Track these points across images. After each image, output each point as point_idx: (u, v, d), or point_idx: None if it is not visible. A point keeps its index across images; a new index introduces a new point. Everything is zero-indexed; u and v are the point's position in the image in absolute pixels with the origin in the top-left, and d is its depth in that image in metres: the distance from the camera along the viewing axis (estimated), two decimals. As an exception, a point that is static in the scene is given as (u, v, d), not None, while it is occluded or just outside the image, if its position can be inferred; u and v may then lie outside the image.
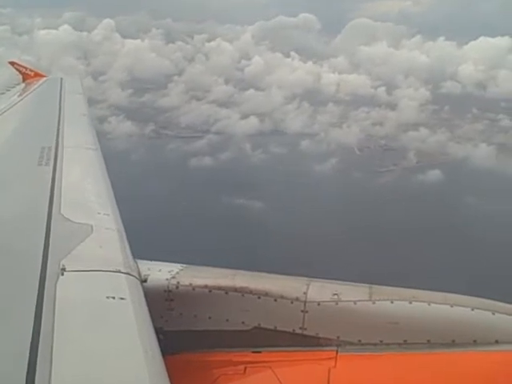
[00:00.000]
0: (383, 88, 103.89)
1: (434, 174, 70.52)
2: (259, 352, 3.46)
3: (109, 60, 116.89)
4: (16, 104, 10.36)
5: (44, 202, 4.37)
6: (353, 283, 3.64)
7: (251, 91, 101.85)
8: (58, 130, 7.34)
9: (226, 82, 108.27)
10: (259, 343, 3.49)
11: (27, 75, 14.07)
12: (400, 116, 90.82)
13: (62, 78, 13.37)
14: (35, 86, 12.66)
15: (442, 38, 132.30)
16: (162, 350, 2.70)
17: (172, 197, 57.57)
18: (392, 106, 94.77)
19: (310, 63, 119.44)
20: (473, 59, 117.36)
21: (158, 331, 3.01)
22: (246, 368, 3.36)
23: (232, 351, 3.48)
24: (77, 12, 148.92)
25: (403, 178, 70.93)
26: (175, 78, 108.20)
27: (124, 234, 4.04)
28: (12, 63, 14.55)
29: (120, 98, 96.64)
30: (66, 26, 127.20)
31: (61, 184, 4.90)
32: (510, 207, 55.85)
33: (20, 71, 14.17)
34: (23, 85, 13.39)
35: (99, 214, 4.28)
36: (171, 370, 2.57)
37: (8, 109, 9.58)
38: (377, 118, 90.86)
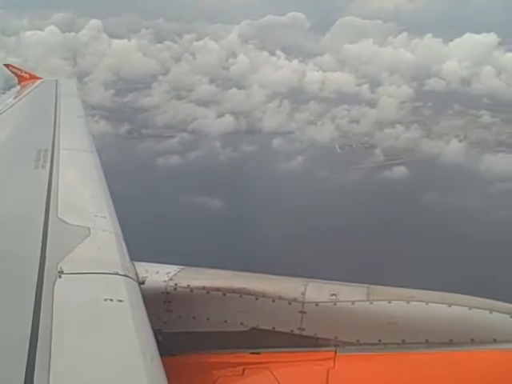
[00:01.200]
0: (367, 86, 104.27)
1: (407, 171, 71.09)
2: (258, 353, 3.46)
3: (95, 60, 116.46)
4: (11, 106, 10.32)
5: (41, 204, 4.36)
6: (350, 283, 3.65)
7: (233, 90, 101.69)
8: (54, 132, 7.31)
9: (211, 81, 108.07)
10: (257, 344, 3.49)
11: (22, 77, 14.01)
12: (381, 114, 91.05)
13: (57, 80, 13.33)
14: (30, 89, 12.61)
15: (429, 35, 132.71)
16: (160, 352, 2.70)
17: (136, 196, 56.50)
18: (372, 104, 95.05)
19: (295, 61, 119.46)
20: (458, 56, 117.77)
21: (157, 333, 3.02)
22: (244, 369, 3.35)
23: (230, 352, 3.48)
24: (68, 13, 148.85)
25: (376, 175, 71.05)
26: (160, 77, 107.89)
27: (121, 236, 4.05)
28: (7, 66, 14.50)
29: (103, 98, 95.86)
30: (52, 27, 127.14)
31: (57, 187, 4.89)
32: (478, 203, 56.48)
33: (15, 73, 14.12)
34: (18, 87, 13.36)
35: (96, 216, 4.27)
36: (170, 372, 2.57)
37: (3, 111, 9.55)
38: (357, 115, 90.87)
